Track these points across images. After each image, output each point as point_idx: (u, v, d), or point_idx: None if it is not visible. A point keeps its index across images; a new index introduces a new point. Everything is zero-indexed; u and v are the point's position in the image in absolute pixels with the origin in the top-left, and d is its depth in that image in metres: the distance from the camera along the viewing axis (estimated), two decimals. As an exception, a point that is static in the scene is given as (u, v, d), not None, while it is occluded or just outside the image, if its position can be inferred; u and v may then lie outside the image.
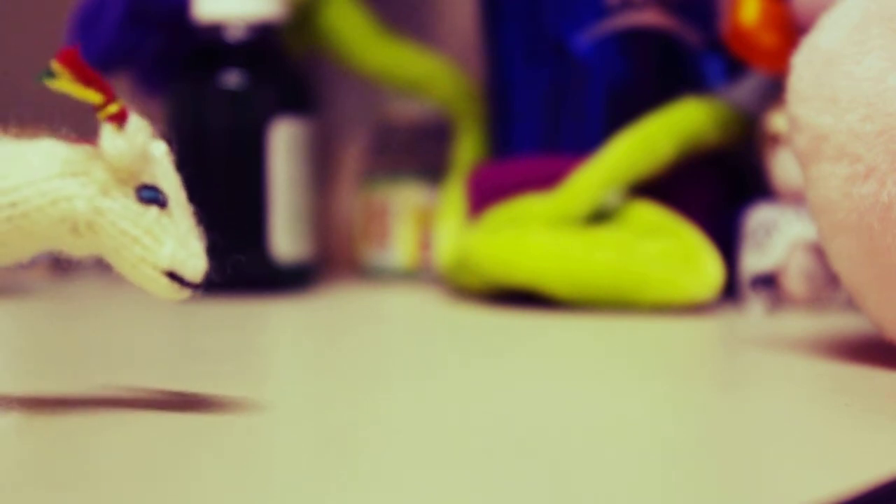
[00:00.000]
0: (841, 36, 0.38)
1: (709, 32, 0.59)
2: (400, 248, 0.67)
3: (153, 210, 0.29)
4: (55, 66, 0.29)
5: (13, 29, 0.78)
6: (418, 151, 0.68)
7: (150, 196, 0.29)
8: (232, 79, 0.60)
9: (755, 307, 0.54)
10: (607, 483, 0.26)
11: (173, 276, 0.30)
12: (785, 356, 0.42)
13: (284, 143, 0.60)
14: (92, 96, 0.29)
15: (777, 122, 0.54)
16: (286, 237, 0.60)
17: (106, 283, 0.64)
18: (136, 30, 0.62)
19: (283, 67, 0.62)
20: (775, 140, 0.54)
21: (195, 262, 0.30)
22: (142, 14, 0.62)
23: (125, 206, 0.29)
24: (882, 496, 0.25)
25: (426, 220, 0.67)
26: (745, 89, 0.60)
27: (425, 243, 0.67)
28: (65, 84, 0.29)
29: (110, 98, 0.29)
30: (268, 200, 0.60)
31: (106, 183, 0.29)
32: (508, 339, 0.47)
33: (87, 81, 0.29)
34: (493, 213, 0.57)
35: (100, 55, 0.62)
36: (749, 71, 0.58)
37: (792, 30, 0.51)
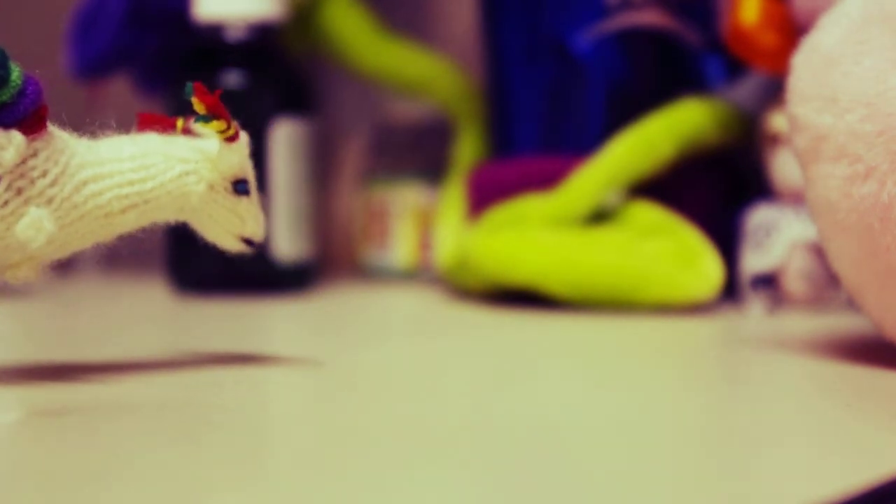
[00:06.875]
0: (841, 36, 0.38)
1: (709, 32, 0.59)
2: (400, 248, 0.67)
3: (244, 199, 0.37)
4: (197, 105, 0.35)
5: (13, 29, 0.78)
6: (418, 151, 0.68)
7: (243, 189, 0.37)
8: (232, 79, 0.60)
9: (755, 307, 0.54)
10: (607, 483, 0.26)
11: (247, 240, 0.38)
12: (785, 356, 0.42)
13: (284, 143, 0.60)
14: (218, 125, 0.36)
15: (777, 122, 0.54)
16: (286, 237, 0.60)
17: (105, 283, 0.64)
18: (135, 30, 0.62)
19: (283, 67, 0.62)
20: (775, 140, 0.54)
21: (261, 231, 0.38)
22: (141, 14, 0.62)
23: (224, 198, 0.37)
24: (882, 496, 0.25)
25: (426, 220, 0.67)
26: (745, 89, 0.60)
27: (425, 243, 0.67)
28: (212, 125, 0.36)
29: (229, 123, 0.36)
30: (268, 200, 0.60)
31: (213, 181, 0.36)
32: (508, 339, 0.47)
33: (216, 114, 0.35)
34: (493, 213, 0.57)
35: (100, 55, 0.62)
36: (749, 71, 0.58)
37: (792, 30, 0.51)
